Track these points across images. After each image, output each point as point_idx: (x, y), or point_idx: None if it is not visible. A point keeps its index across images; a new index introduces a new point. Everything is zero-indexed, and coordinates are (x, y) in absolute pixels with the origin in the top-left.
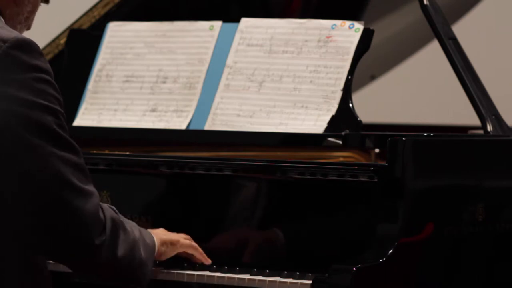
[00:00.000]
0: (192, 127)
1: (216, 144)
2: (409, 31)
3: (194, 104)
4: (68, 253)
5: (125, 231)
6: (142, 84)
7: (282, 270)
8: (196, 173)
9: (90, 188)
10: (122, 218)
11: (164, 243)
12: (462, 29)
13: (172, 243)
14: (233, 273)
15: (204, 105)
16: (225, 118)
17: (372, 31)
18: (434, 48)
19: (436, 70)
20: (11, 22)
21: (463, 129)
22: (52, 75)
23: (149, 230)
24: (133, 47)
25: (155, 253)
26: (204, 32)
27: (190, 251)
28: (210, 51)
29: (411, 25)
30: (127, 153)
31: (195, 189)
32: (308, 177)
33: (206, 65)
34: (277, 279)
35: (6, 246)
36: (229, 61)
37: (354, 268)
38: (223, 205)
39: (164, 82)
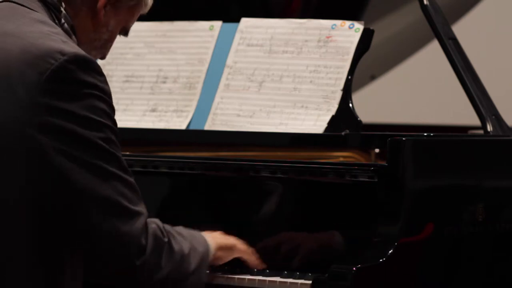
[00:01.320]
0: (192, 127)
1: (216, 144)
2: (409, 31)
3: (194, 104)
4: (109, 273)
5: (170, 250)
6: (142, 84)
7: (282, 270)
8: (196, 173)
9: (137, 208)
10: (171, 234)
11: (221, 248)
12: (462, 29)
13: (230, 248)
14: (233, 273)
15: (204, 105)
16: (225, 118)
17: (372, 31)
18: (434, 48)
19: (436, 70)
20: (85, 46)
21: (463, 129)
22: (108, 94)
23: (206, 233)
24: (133, 47)
25: (210, 258)
26: (204, 32)
27: (245, 256)
28: (210, 51)
29: (411, 25)
30: (127, 153)
31: (195, 189)
32: (308, 177)
33: (206, 65)
34: (277, 279)
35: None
36: (229, 61)
37: (354, 268)
38: (223, 205)
39: (164, 82)
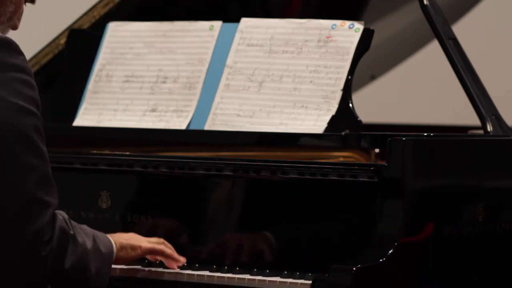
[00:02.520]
0: (192, 127)
1: (216, 144)
2: (409, 31)
3: (194, 104)
4: (16, 264)
5: (74, 243)
6: (142, 84)
7: (282, 270)
8: (196, 173)
9: (49, 198)
10: (76, 228)
11: (123, 248)
12: (462, 29)
13: (133, 248)
14: (233, 273)
15: (204, 105)
16: (225, 118)
17: (372, 31)
18: (434, 48)
19: (436, 70)
20: None
21: (463, 129)
22: (31, 75)
23: (110, 235)
24: (133, 47)
25: (113, 259)
26: (204, 32)
27: (156, 256)
28: (210, 51)
29: (411, 25)
30: (127, 153)
31: (195, 189)
32: (308, 177)
33: (206, 65)
34: (277, 279)
35: None
36: (229, 61)
37: (354, 268)
38: (223, 205)
39: (164, 82)
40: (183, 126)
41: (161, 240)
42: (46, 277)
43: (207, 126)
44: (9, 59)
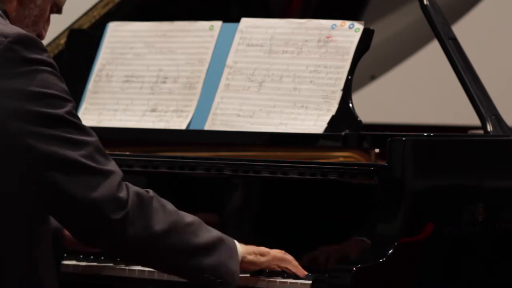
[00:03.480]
0: (192, 127)
1: (216, 144)
2: (409, 31)
3: (194, 104)
4: (88, 233)
5: (163, 208)
6: (142, 84)
7: (282, 270)
8: (196, 173)
9: (108, 167)
10: (167, 203)
11: (252, 252)
12: (462, 29)
13: (262, 254)
14: None
15: (204, 105)
16: (225, 118)
17: (372, 31)
18: (434, 48)
19: (436, 70)
20: (18, 25)
21: (463, 129)
22: (56, 68)
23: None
24: (133, 47)
25: (239, 256)
26: (204, 32)
27: (283, 264)
28: (210, 51)
29: (411, 25)
30: (127, 153)
31: (195, 189)
32: (308, 177)
33: (206, 65)
34: (277, 279)
35: (13, 231)
36: (229, 61)
37: (354, 268)
38: (223, 205)
39: (164, 82)
40: (183, 126)
41: (282, 251)
42: (134, 243)
43: (207, 126)
44: (32, 55)
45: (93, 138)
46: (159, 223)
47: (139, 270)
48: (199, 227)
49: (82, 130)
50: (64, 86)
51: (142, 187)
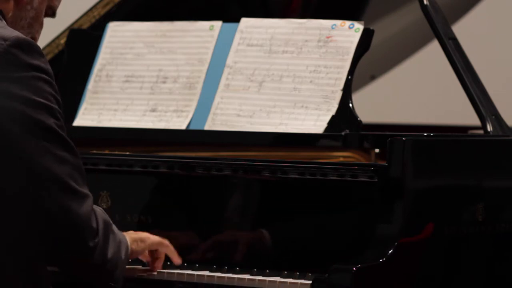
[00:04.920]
0: (192, 127)
1: (216, 144)
2: (409, 31)
3: (194, 104)
4: (64, 256)
5: (113, 233)
6: (142, 84)
7: (282, 270)
8: (196, 173)
9: (85, 190)
10: (112, 224)
11: (134, 240)
12: (462, 29)
13: (142, 240)
14: (233, 273)
15: (204, 105)
16: (225, 118)
17: (372, 31)
18: (434, 48)
19: (436, 70)
20: (13, 26)
21: (463, 129)
22: (52, 76)
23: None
24: (133, 47)
25: (129, 250)
26: (204, 32)
27: (161, 248)
28: (210, 51)
29: (411, 25)
30: (127, 153)
31: (195, 189)
32: (308, 177)
33: (206, 65)
34: (277, 279)
35: (3, 249)
36: (229, 61)
37: (354, 268)
38: (223, 205)
39: (164, 82)
40: (183, 126)
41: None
42: (93, 267)
43: (207, 126)
44: (30, 60)
45: (76, 156)
46: (111, 247)
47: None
48: (121, 243)
49: (68, 146)
50: (56, 95)
51: (142, 187)
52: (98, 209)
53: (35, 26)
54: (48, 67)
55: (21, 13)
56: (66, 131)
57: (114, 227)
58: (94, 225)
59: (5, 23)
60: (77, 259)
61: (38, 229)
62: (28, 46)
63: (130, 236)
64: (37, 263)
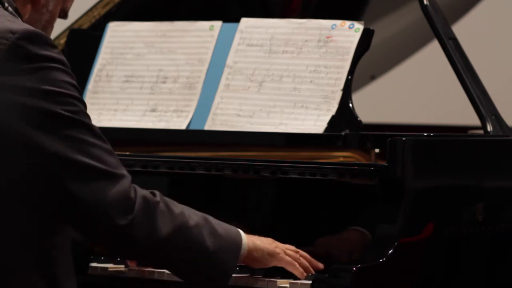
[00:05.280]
0: (192, 127)
1: (216, 144)
2: (409, 31)
3: (194, 104)
4: (96, 237)
5: (169, 211)
6: (142, 84)
7: (282, 270)
8: (196, 173)
9: (118, 170)
10: (168, 200)
11: (258, 249)
12: (462, 29)
13: (270, 254)
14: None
15: (204, 105)
16: (225, 118)
17: (372, 31)
18: (434, 48)
19: (436, 70)
20: None
21: (463, 129)
22: (67, 65)
23: (250, 236)
24: (133, 47)
25: (240, 251)
26: (204, 32)
27: (289, 268)
28: (210, 51)
29: (411, 25)
30: (127, 153)
31: (195, 189)
32: (308, 177)
33: (206, 65)
34: (277, 279)
35: (24, 230)
36: (229, 61)
37: (354, 268)
38: (223, 205)
39: (164, 82)
40: (183, 126)
41: (294, 248)
42: (137, 246)
43: (207, 126)
44: (40, 51)
45: (104, 140)
46: (165, 227)
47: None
48: (204, 227)
49: (93, 131)
50: (74, 83)
51: (142, 187)
52: (144, 191)
53: (48, 29)
54: (61, 57)
55: (37, 15)
56: (89, 117)
57: (179, 208)
58: (129, 202)
59: (17, 19)
60: (111, 238)
61: (72, 218)
62: (38, 38)
63: (253, 241)
64: (53, 255)
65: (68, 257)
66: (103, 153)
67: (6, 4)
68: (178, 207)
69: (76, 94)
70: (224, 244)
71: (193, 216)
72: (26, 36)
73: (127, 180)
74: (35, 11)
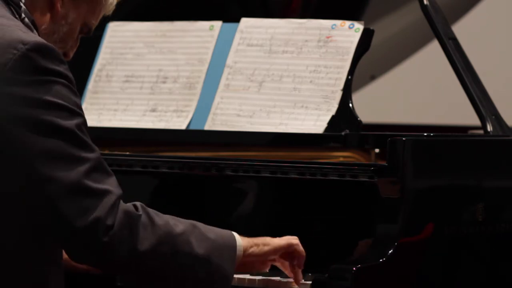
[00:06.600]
0: (192, 127)
1: (216, 144)
2: (409, 31)
3: (194, 104)
4: (77, 254)
5: (148, 225)
6: (142, 84)
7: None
8: (196, 173)
9: (104, 186)
10: (151, 212)
11: (254, 244)
12: (462, 29)
13: (265, 243)
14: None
15: (204, 105)
16: (225, 118)
17: (372, 31)
18: (434, 48)
19: (436, 70)
20: (46, 38)
21: (463, 129)
22: (72, 82)
23: (245, 238)
24: (133, 47)
25: (236, 251)
26: (204, 32)
27: (290, 248)
28: (210, 51)
29: (411, 25)
30: (127, 153)
31: (195, 189)
32: (308, 177)
33: (206, 65)
34: (277, 279)
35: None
36: (229, 61)
37: (354, 268)
38: (223, 205)
39: (164, 82)
40: (183, 126)
41: (295, 237)
42: (121, 262)
43: (207, 126)
44: (48, 64)
45: (95, 155)
46: (147, 240)
47: None
48: (192, 234)
49: (86, 146)
50: (77, 100)
51: (142, 187)
52: (127, 205)
53: (69, 42)
54: (68, 73)
55: (55, 27)
56: (88, 135)
57: (163, 219)
58: (109, 220)
59: (30, 31)
60: (94, 255)
61: (54, 233)
62: (48, 51)
63: (248, 238)
64: (45, 263)
65: (60, 270)
66: (91, 167)
67: (23, 15)
68: (162, 218)
69: (76, 109)
70: (218, 247)
71: (179, 224)
72: (37, 48)
73: (112, 196)
74: (54, 22)
